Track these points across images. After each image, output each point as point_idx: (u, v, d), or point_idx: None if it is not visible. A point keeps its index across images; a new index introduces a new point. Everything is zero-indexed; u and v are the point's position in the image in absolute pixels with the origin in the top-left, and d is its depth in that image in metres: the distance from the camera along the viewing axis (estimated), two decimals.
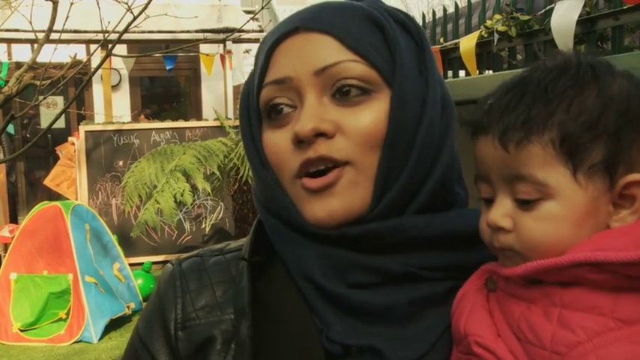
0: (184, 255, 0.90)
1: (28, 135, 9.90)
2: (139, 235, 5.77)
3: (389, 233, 0.75)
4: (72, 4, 3.26)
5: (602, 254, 0.61)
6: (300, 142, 0.74)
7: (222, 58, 8.27)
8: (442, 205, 0.78)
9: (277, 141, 0.77)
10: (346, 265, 0.75)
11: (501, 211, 0.69)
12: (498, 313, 0.69)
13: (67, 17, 3.20)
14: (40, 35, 3.28)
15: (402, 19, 0.80)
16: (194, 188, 5.70)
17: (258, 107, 0.80)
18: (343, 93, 0.75)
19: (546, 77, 0.69)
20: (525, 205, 0.68)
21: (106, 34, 3.55)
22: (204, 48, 8.16)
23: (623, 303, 0.62)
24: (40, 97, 3.12)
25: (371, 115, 0.74)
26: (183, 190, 5.36)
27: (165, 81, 10.53)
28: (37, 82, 3.10)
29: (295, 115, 0.76)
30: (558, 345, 0.62)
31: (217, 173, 5.65)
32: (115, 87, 9.31)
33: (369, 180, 0.75)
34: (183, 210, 7.07)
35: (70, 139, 7.56)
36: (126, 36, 3.55)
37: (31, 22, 3.41)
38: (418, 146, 0.76)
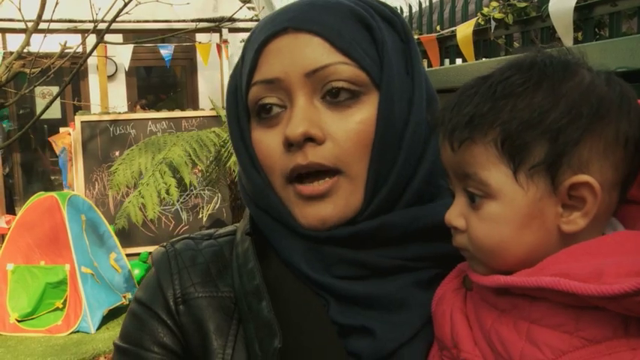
0: (178, 237, 0.91)
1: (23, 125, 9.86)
2: (136, 225, 5.74)
3: (375, 232, 0.76)
4: None
5: (565, 283, 0.59)
6: (291, 145, 0.75)
7: (219, 47, 8.23)
8: (428, 198, 0.79)
9: (268, 142, 0.78)
10: (332, 259, 0.77)
11: (456, 210, 0.69)
12: (474, 318, 0.69)
13: (57, 3, 3.17)
14: (31, 24, 3.25)
15: (388, 16, 0.80)
16: (181, 179, 5.65)
17: (246, 104, 0.80)
18: (333, 95, 0.75)
19: (499, 77, 0.67)
20: (474, 203, 0.67)
21: (97, 23, 3.53)
22: (200, 38, 8.12)
23: (586, 321, 0.60)
24: (32, 86, 3.10)
25: (360, 119, 0.75)
26: (169, 186, 5.29)
27: (162, 71, 10.49)
28: (27, 70, 3.07)
29: (285, 115, 0.77)
30: None
31: (203, 168, 5.60)
32: (110, 77, 9.27)
33: (360, 186, 0.76)
34: (180, 200, 7.05)
35: (63, 129, 7.52)
36: (120, 25, 3.52)
37: (20, 10, 3.38)
38: (406, 146, 0.77)
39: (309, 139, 0.74)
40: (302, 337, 0.76)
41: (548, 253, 0.64)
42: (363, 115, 0.75)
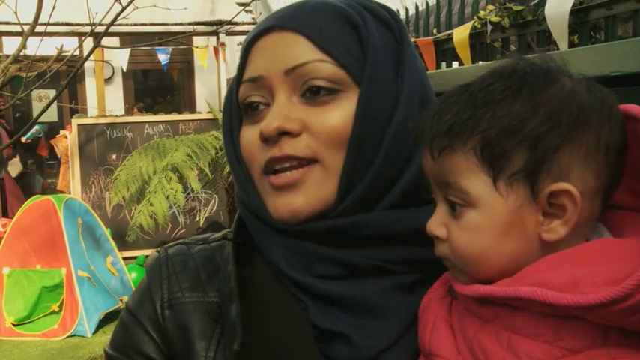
0: (171, 242, 0.93)
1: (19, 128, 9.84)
2: (139, 227, 5.74)
3: (352, 228, 0.76)
4: None
5: (542, 293, 0.59)
6: (266, 140, 0.76)
7: (216, 50, 8.23)
8: (417, 203, 0.78)
9: (249, 137, 0.79)
10: (311, 257, 0.77)
11: (438, 219, 0.69)
12: (458, 327, 0.68)
13: (54, 8, 3.17)
14: (28, 27, 3.25)
15: (383, 17, 0.81)
16: (186, 185, 5.66)
17: (238, 103, 0.82)
18: (312, 92, 0.76)
19: (480, 85, 0.67)
20: (455, 212, 0.67)
21: (94, 26, 3.52)
22: (197, 41, 8.12)
23: (566, 331, 0.60)
24: (28, 90, 3.10)
25: (338, 114, 0.76)
26: (176, 191, 5.32)
27: (159, 74, 10.48)
28: (24, 74, 3.07)
29: (268, 111, 0.78)
30: None
31: (207, 172, 5.61)
32: (107, 80, 9.26)
33: (334, 178, 0.76)
34: (177, 203, 7.04)
35: (62, 132, 7.52)
36: (118, 29, 3.53)
37: (16, 13, 3.37)
38: (387, 145, 0.76)
39: (284, 133, 0.75)
40: (274, 341, 0.76)
41: (530, 262, 0.64)
42: (341, 111, 0.76)
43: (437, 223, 0.69)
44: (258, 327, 0.78)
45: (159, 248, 0.92)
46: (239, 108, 0.83)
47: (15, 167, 8.70)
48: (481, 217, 0.64)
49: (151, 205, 5.35)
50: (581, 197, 0.62)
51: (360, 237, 0.76)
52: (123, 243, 6.57)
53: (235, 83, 0.83)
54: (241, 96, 0.81)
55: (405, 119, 0.77)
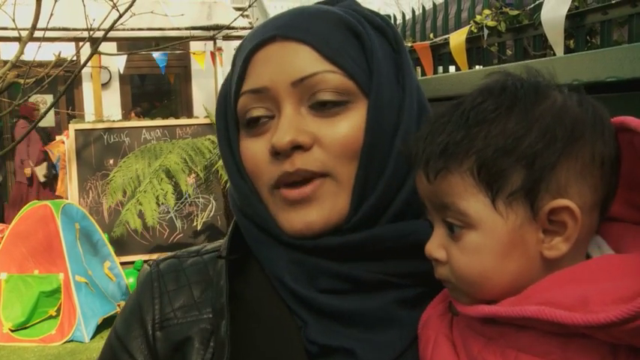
0: (162, 257, 0.90)
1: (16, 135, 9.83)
2: (131, 233, 5.74)
3: (367, 243, 0.75)
4: (56, 0, 3.23)
5: (550, 313, 0.58)
6: (277, 154, 0.74)
7: (213, 55, 8.24)
8: (415, 212, 0.77)
9: (255, 150, 0.77)
10: (316, 272, 0.75)
11: (437, 242, 0.67)
12: (461, 345, 0.68)
13: (51, 15, 3.17)
14: (25, 33, 3.25)
15: (379, 24, 0.80)
16: (179, 188, 5.66)
17: (235, 113, 0.80)
18: (321, 104, 0.75)
19: (471, 104, 0.66)
20: (453, 234, 0.66)
21: (92, 32, 3.53)
22: (195, 46, 8.12)
23: (574, 350, 0.59)
24: (26, 96, 3.09)
25: (348, 126, 0.75)
26: (166, 192, 5.30)
27: (156, 79, 10.49)
28: (22, 81, 3.07)
29: (273, 124, 0.76)
30: None
31: (201, 175, 5.61)
32: (105, 85, 9.26)
33: (347, 190, 0.75)
34: (175, 208, 7.04)
35: (58, 137, 7.51)
36: (115, 34, 3.53)
37: (14, 20, 3.37)
38: (395, 155, 0.75)
39: (296, 147, 0.74)
40: (265, 358, 0.75)
41: (532, 280, 0.63)
42: (351, 122, 0.75)
43: (435, 246, 0.67)
44: (249, 343, 0.77)
45: (150, 262, 0.90)
46: (236, 118, 0.80)
47: (41, 170, 8.66)
48: (481, 238, 0.64)
49: (140, 204, 5.33)
50: (581, 212, 0.62)
51: (371, 251, 0.75)
52: (121, 248, 6.56)
53: (234, 94, 0.80)
54: (242, 108, 0.78)
55: (409, 128, 0.77)
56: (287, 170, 0.74)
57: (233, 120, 0.81)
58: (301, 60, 0.75)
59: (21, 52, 3.15)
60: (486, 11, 3.62)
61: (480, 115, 0.64)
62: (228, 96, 0.81)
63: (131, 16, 3.37)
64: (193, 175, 5.79)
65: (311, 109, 0.75)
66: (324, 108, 0.75)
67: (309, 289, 0.75)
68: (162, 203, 5.39)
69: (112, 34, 3.51)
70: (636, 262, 0.60)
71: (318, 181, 0.74)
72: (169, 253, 0.91)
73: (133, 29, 4.20)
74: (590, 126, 0.64)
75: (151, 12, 3.71)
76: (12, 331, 5.19)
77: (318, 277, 0.75)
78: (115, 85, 9.67)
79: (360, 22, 0.79)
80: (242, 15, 4.90)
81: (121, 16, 3.26)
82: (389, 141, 0.76)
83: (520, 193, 0.62)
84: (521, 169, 0.62)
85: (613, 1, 2.79)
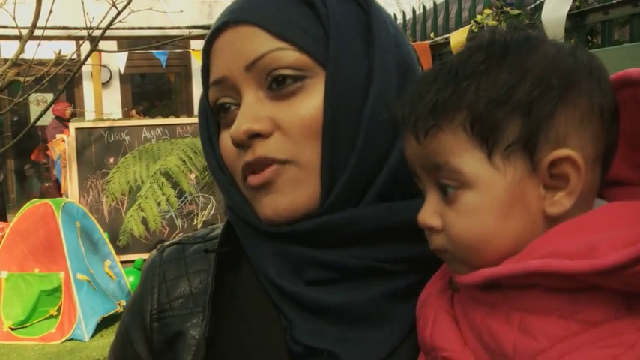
0: (169, 242, 0.89)
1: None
2: (130, 232, 5.73)
3: (344, 225, 0.70)
4: None
5: (555, 263, 0.54)
6: (239, 145, 0.72)
7: None
8: (409, 193, 0.72)
9: (226, 143, 0.75)
10: (301, 261, 0.72)
11: (430, 209, 0.63)
12: (463, 318, 0.63)
13: (50, 12, 3.18)
14: (26, 32, 3.25)
15: None
16: (179, 189, 5.65)
17: (211, 108, 0.78)
18: (278, 82, 0.71)
19: (458, 59, 0.62)
20: (448, 197, 0.61)
21: (91, 30, 3.53)
22: (195, 45, 8.13)
23: (584, 303, 0.55)
24: (26, 94, 3.10)
25: (307, 104, 0.70)
26: (169, 196, 5.30)
27: (156, 77, 10.49)
28: (22, 79, 3.08)
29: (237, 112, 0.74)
30: (521, 354, 0.56)
31: (198, 176, 5.60)
32: (105, 84, 9.26)
33: (313, 174, 0.71)
34: (171, 208, 7.04)
35: (59, 136, 7.51)
36: (115, 32, 3.53)
37: (14, 18, 3.38)
38: (365, 126, 0.70)
39: (255, 135, 0.71)
40: (248, 356, 0.74)
41: None
42: (310, 101, 0.70)
43: (430, 213, 0.63)
44: (233, 340, 0.76)
45: (158, 246, 0.89)
46: (212, 113, 0.78)
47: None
48: (479, 197, 0.59)
49: (142, 210, 5.32)
50: (584, 163, 0.58)
51: (352, 234, 0.71)
52: (120, 246, 6.57)
53: (203, 88, 0.78)
54: (211, 100, 0.76)
55: (382, 94, 0.71)
56: (248, 160, 0.72)
57: (211, 114, 0.79)
58: (250, 43, 0.71)
59: (21, 51, 3.15)
60: (487, 11, 3.62)
61: (468, 69, 0.60)
62: (203, 92, 0.80)
63: (130, 13, 3.37)
64: (193, 174, 5.79)
65: (270, 90, 0.72)
66: (280, 89, 0.71)
67: (295, 283, 0.72)
68: (166, 212, 5.39)
69: (112, 32, 3.52)
70: None
71: (278, 166, 0.71)
72: (176, 238, 0.89)
73: (133, 28, 4.21)
74: (586, 75, 0.60)
75: (150, 9, 3.71)
76: (12, 329, 5.20)
77: (302, 268, 0.72)
78: (116, 83, 9.67)
79: None
80: None
81: (119, 13, 3.27)
82: (356, 112, 0.70)
83: (518, 145, 0.58)
84: (518, 118, 0.58)
85: (614, 1, 2.79)
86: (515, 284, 0.58)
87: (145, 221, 5.32)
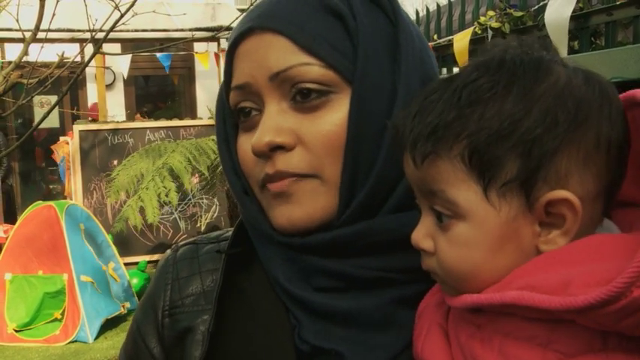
0: (183, 241, 0.90)
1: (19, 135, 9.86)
2: (134, 234, 5.74)
3: (356, 238, 0.71)
4: (58, 1, 3.25)
5: (528, 297, 0.53)
6: (259, 155, 0.72)
7: (217, 56, 8.25)
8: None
9: (245, 147, 0.75)
10: (310, 270, 0.73)
11: (424, 230, 0.62)
12: (453, 334, 0.63)
13: (53, 15, 3.19)
14: (29, 34, 3.26)
15: None
16: (183, 187, 5.66)
17: (230, 110, 0.78)
18: (302, 95, 0.70)
19: (464, 80, 0.59)
20: (442, 224, 0.60)
21: (94, 32, 3.54)
22: (199, 47, 8.13)
23: (560, 334, 0.54)
24: (30, 96, 3.11)
25: (331, 120, 0.70)
26: (169, 190, 5.29)
27: (160, 80, 10.50)
28: (25, 81, 3.08)
29: (260, 118, 0.73)
30: None
31: (205, 174, 5.60)
32: (109, 86, 9.28)
33: (332, 188, 0.71)
34: (179, 209, 7.06)
35: (62, 138, 7.52)
36: (118, 35, 3.54)
37: (18, 21, 3.39)
38: (387, 144, 0.70)
39: (277, 147, 0.70)
40: (255, 356, 0.74)
41: None
42: (334, 116, 0.70)
43: (422, 235, 0.62)
44: (240, 338, 0.76)
45: (173, 245, 0.90)
46: (232, 114, 0.78)
47: None
48: (471, 230, 0.58)
49: (141, 200, 5.31)
50: (582, 203, 0.56)
51: (365, 246, 0.71)
52: (124, 249, 6.57)
53: (225, 90, 0.78)
54: (233, 103, 0.76)
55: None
56: (268, 173, 0.72)
57: (229, 116, 0.79)
58: (275, 53, 0.70)
59: (24, 53, 3.16)
60: (490, 12, 3.62)
61: (473, 95, 0.58)
62: (224, 93, 0.80)
63: (133, 16, 3.38)
64: (197, 175, 5.79)
65: (293, 102, 0.71)
66: (305, 102, 0.70)
67: (303, 289, 0.73)
68: (164, 202, 5.37)
69: (115, 35, 3.53)
70: (630, 242, 0.54)
71: (297, 178, 0.71)
72: (192, 238, 0.91)
73: (136, 30, 4.21)
74: (596, 106, 0.57)
75: (153, 11, 3.71)
76: (16, 331, 5.20)
77: (311, 276, 0.72)
78: (120, 86, 9.68)
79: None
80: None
81: (122, 15, 3.27)
82: (379, 129, 0.70)
83: (515, 183, 0.56)
84: (517, 156, 0.56)
85: (618, 2, 2.78)
86: (497, 310, 0.58)
87: (142, 212, 5.30)
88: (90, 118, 8.05)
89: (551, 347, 0.54)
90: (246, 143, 0.74)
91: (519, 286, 0.55)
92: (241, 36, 0.74)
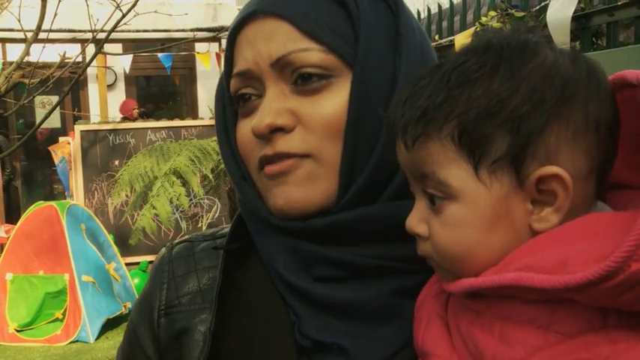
0: (178, 240, 0.90)
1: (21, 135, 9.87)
2: (142, 230, 5.75)
3: (356, 224, 0.71)
4: (60, 1, 3.25)
5: (526, 278, 0.53)
6: (259, 137, 0.72)
7: (218, 56, 8.26)
8: None
9: (244, 132, 0.75)
10: (311, 258, 0.73)
11: (417, 215, 0.63)
12: (453, 324, 0.63)
13: (55, 15, 3.19)
14: (30, 34, 3.27)
15: None
16: (189, 189, 5.68)
17: (230, 96, 0.78)
18: (303, 79, 0.71)
19: (453, 64, 0.60)
20: (435, 207, 0.61)
21: (96, 33, 3.55)
22: (200, 47, 8.14)
23: (560, 315, 0.54)
24: (31, 96, 3.12)
25: (331, 103, 0.70)
26: (180, 195, 5.33)
27: (161, 80, 10.50)
28: (27, 81, 3.09)
29: (260, 103, 0.74)
30: None
31: (210, 176, 5.63)
32: (110, 86, 9.28)
33: (331, 171, 0.71)
34: (180, 209, 7.06)
35: (62, 139, 7.52)
36: (120, 35, 3.54)
37: (19, 21, 3.39)
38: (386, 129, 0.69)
39: (277, 129, 0.71)
40: (255, 351, 0.74)
41: None
42: (335, 99, 0.70)
43: (417, 220, 0.63)
44: (240, 335, 0.76)
45: (167, 244, 0.90)
46: (232, 101, 0.78)
47: None
48: (464, 210, 0.59)
49: (154, 208, 5.35)
50: (573, 180, 0.57)
51: (364, 233, 0.71)
52: (125, 249, 6.58)
53: (225, 77, 0.78)
54: (232, 90, 0.76)
55: None
56: (267, 154, 0.72)
57: (229, 103, 0.79)
58: (278, 38, 0.71)
59: (26, 53, 3.17)
60: (492, 13, 3.62)
61: (462, 76, 0.59)
62: (223, 80, 0.80)
63: (134, 16, 3.38)
64: (199, 176, 5.81)
65: (294, 86, 0.72)
66: (305, 85, 0.71)
67: (303, 279, 0.72)
68: (177, 208, 5.42)
69: (116, 35, 3.54)
70: (626, 219, 0.54)
71: (296, 159, 0.71)
72: (187, 236, 0.90)
73: (138, 30, 4.22)
74: (583, 85, 0.58)
75: (155, 12, 3.72)
76: (17, 331, 5.21)
77: (312, 265, 0.72)
78: (121, 86, 9.69)
79: None
80: None
81: (124, 15, 3.28)
82: (378, 114, 0.70)
83: (505, 160, 0.57)
84: (506, 133, 0.56)
85: (619, 3, 2.78)
86: (496, 294, 0.58)
87: (156, 219, 5.36)
88: (121, 116, 8.03)
89: (552, 329, 0.54)
90: (245, 127, 0.75)
91: (517, 267, 0.56)
92: (244, 20, 0.74)
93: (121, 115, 8.03)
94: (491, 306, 0.59)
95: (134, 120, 7.83)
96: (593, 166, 0.59)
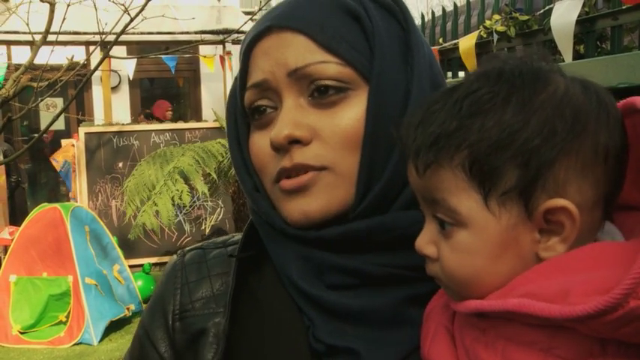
0: (189, 247, 0.91)
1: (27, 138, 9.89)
2: (139, 236, 5.76)
3: (370, 233, 0.72)
4: (68, 5, 3.27)
5: (529, 305, 0.55)
6: (277, 149, 0.73)
7: (222, 59, 8.28)
8: None
9: (260, 144, 0.76)
10: (324, 266, 0.74)
11: (427, 237, 0.64)
12: (459, 337, 0.64)
13: (64, 19, 3.21)
14: (38, 37, 3.28)
15: (386, 4, 0.77)
16: (193, 189, 5.70)
17: (243, 109, 0.79)
18: (320, 92, 0.73)
19: (466, 91, 0.61)
20: (444, 230, 0.62)
21: (104, 36, 3.56)
22: (204, 50, 8.16)
23: (560, 340, 0.55)
24: (38, 99, 3.13)
25: (348, 116, 0.72)
26: (182, 192, 5.34)
27: (165, 82, 10.52)
28: (35, 84, 3.11)
29: (276, 115, 0.75)
30: None
31: (214, 175, 5.64)
32: (114, 89, 9.31)
33: (348, 182, 0.73)
34: (183, 211, 7.07)
35: (65, 142, 7.53)
36: (125, 37, 3.56)
37: (27, 24, 3.41)
38: None
39: (294, 141, 0.72)
40: (269, 357, 0.75)
41: None
42: (351, 112, 0.72)
43: (426, 241, 0.64)
44: (253, 341, 0.77)
45: (179, 251, 0.91)
46: (244, 114, 0.80)
47: None
48: (472, 237, 0.60)
49: (155, 205, 5.36)
50: (580, 211, 0.58)
51: (377, 242, 0.72)
52: (129, 251, 6.59)
53: (239, 90, 0.79)
54: (248, 102, 0.77)
55: None
56: (285, 166, 0.73)
57: (242, 116, 0.80)
58: (295, 50, 0.73)
59: (34, 56, 3.18)
60: (496, 16, 3.63)
61: (474, 105, 0.60)
62: (237, 92, 0.81)
63: (142, 20, 3.40)
64: (202, 178, 5.82)
65: (311, 98, 0.73)
66: (323, 98, 0.72)
67: (317, 287, 0.74)
68: (178, 205, 5.42)
69: (123, 38, 3.54)
70: (629, 250, 0.55)
71: (315, 173, 0.72)
72: (197, 244, 0.91)
73: (142, 33, 4.24)
74: (594, 116, 0.59)
75: (162, 15, 3.73)
76: (21, 333, 5.22)
77: (325, 273, 0.74)
78: (125, 88, 9.71)
79: (362, 2, 0.75)
80: (251, 19, 4.93)
81: (132, 19, 3.29)
82: (394, 127, 0.70)
83: (514, 192, 0.58)
84: (516, 167, 0.58)
85: (624, 7, 2.79)
86: (499, 316, 0.59)
87: (157, 215, 5.37)
88: (153, 116, 8.03)
89: (552, 352, 0.56)
90: (261, 140, 0.76)
91: (520, 293, 0.57)
92: (259, 35, 0.76)
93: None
94: (495, 326, 0.60)
95: (162, 122, 7.85)
96: (600, 195, 0.60)
